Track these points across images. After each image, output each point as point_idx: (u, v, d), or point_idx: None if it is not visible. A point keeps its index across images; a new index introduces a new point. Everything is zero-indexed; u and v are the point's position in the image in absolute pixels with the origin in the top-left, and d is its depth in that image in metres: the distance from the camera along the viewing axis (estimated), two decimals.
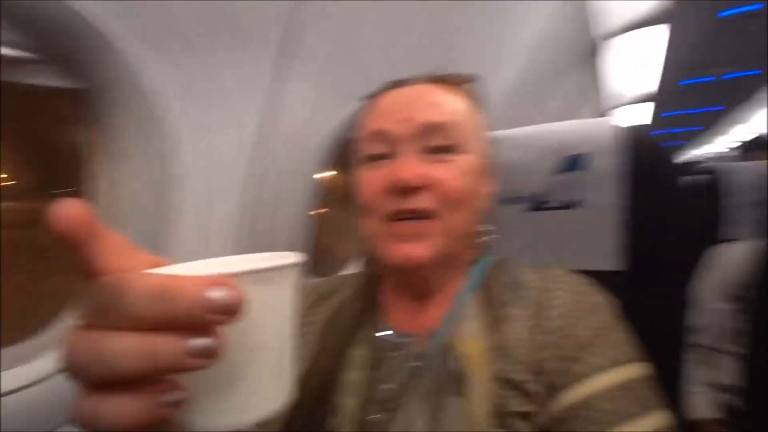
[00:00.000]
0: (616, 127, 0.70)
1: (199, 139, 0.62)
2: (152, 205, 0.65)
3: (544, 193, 0.74)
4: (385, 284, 0.56)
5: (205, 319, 0.20)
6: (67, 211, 0.20)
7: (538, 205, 0.74)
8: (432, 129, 0.48)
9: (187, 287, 0.20)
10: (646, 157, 0.69)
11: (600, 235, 0.71)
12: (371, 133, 0.50)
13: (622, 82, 3.24)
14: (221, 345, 0.21)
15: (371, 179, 0.49)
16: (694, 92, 3.36)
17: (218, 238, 0.64)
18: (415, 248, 0.46)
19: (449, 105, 0.50)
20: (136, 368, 0.20)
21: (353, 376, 0.49)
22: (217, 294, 0.20)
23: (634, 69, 2.95)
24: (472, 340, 0.46)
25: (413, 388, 0.46)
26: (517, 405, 0.43)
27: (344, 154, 1.38)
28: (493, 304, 0.49)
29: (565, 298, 0.48)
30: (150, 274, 0.22)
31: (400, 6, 0.84)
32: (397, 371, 0.48)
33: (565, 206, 0.73)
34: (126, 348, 0.20)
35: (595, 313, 0.47)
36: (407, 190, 0.45)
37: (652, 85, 3.27)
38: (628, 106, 4.12)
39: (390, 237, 0.47)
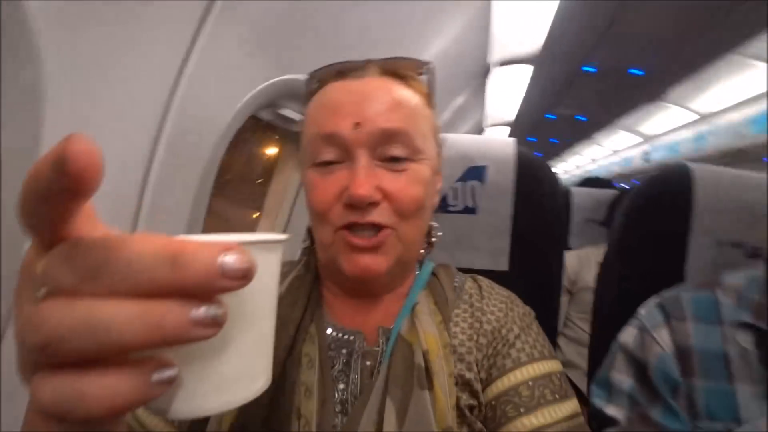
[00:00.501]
0: (515, 147, 0.82)
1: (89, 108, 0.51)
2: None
3: (451, 197, 0.82)
4: (325, 281, 0.55)
5: (216, 285, 0.19)
6: (86, 151, 0.17)
7: (446, 207, 0.82)
8: (389, 136, 0.45)
9: (201, 251, 0.19)
10: (535, 174, 0.82)
11: (491, 239, 0.82)
12: (323, 136, 0.46)
13: (497, 106, 3.72)
14: (226, 314, 0.20)
15: (324, 187, 0.46)
16: (552, 124, 4.00)
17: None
18: (372, 260, 0.45)
19: (406, 106, 0.48)
20: (139, 339, 0.18)
21: (307, 377, 0.46)
22: (230, 259, 0.19)
23: (508, 97, 3.42)
24: (430, 335, 0.48)
25: (372, 386, 0.45)
26: (466, 399, 0.47)
27: (249, 130, 1.30)
28: (441, 304, 0.52)
29: (497, 306, 0.54)
30: (155, 235, 0.19)
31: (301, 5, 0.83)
32: (353, 369, 0.48)
33: (465, 211, 0.82)
34: (128, 316, 0.18)
35: (519, 319, 0.53)
36: (364, 205, 0.44)
37: (520, 112, 3.81)
38: (499, 127, 4.73)
39: (346, 248, 0.46)
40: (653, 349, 0.62)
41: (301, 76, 0.91)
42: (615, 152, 5.77)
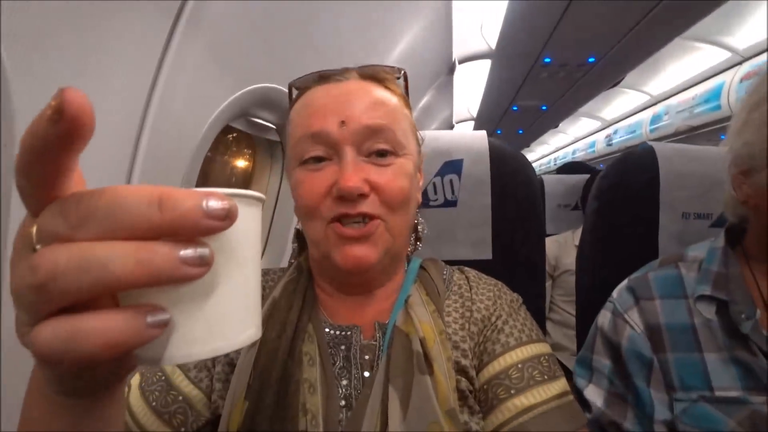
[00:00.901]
0: (487, 140, 0.84)
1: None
2: None
3: (431, 192, 0.83)
4: (319, 282, 0.56)
5: (202, 225, 0.20)
6: (80, 98, 0.18)
7: (426, 202, 0.83)
8: (373, 132, 0.48)
9: (186, 194, 0.20)
10: (509, 164, 0.85)
11: (473, 230, 0.84)
12: (311, 135, 0.48)
13: (462, 102, 3.79)
14: (212, 255, 0.21)
15: (312, 183, 0.48)
16: (517, 116, 4.10)
17: None
18: (362, 250, 0.47)
19: (387, 105, 0.50)
20: (132, 275, 0.19)
21: (310, 374, 0.47)
22: (213, 201, 0.20)
23: (472, 93, 3.49)
24: (426, 324, 0.49)
25: (373, 377, 0.47)
26: (464, 385, 0.48)
27: (222, 141, 1.28)
28: (433, 295, 0.53)
29: (486, 295, 0.56)
30: (144, 185, 0.20)
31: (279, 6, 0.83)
32: (353, 365, 0.49)
33: (446, 204, 0.84)
34: (121, 254, 0.19)
35: (507, 305, 0.55)
36: (353, 196, 0.46)
37: (484, 107, 3.90)
38: (467, 123, 4.81)
39: (338, 240, 0.47)
40: (625, 332, 0.64)
41: (273, 85, 0.91)
42: (579, 139, 5.97)
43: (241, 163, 1.38)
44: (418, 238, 0.59)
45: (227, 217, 0.20)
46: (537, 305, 0.88)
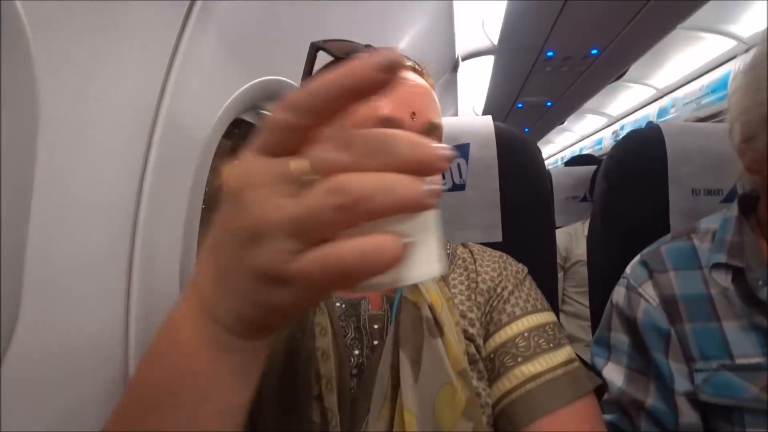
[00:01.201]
0: (493, 124, 0.85)
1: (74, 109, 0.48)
2: None
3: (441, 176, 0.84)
4: None
5: (440, 166, 0.22)
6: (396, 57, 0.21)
7: None
8: (432, 130, 0.48)
9: (429, 145, 0.23)
10: (517, 148, 0.85)
11: (482, 213, 0.85)
12: (380, 119, 0.46)
13: (467, 100, 3.79)
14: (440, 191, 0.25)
15: None
16: (522, 113, 4.10)
17: (82, 226, 0.49)
18: None
19: (435, 100, 0.51)
20: (408, 200, 0.21)
21: (322, 342, 0.47)
22: (443, 151, 0.23)
23: (476, 91, 3.50)
24: (433, 291, 0.50)
25: (383, 345, 0.47)
26: (473, 350, 0.49)
27: (232, 135, 1.30)
28: None
29: (491, 267, 0.56)
30: (402, 132, 0.23)
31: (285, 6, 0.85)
32: (364, 335, 0.49)
33: (454, 188, 0.85)
34: (405, 182, 0.21)
35: (512, 276, 0.56)
36: None
37: (488, 103, 3.90)
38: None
39: None
40: (640, 305, 0.64)
41: (278, 78, 0.93)
42: (585, 137, 5.94)
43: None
44: None
45: (449, 161, 0.23)
46: (550, 291, 0.88)
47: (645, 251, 0.70)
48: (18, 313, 0.38)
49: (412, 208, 0.21)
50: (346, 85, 0.21)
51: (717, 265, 0.62)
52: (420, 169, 0.22)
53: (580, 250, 1.76)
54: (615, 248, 0.92)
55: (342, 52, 0.51)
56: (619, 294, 0.68)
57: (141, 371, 0.28)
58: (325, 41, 0.52)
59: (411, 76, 0.51)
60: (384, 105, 0.47)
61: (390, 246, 0.21)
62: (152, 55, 0.57)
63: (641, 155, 0.91)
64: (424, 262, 0.25)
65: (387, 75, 0.20)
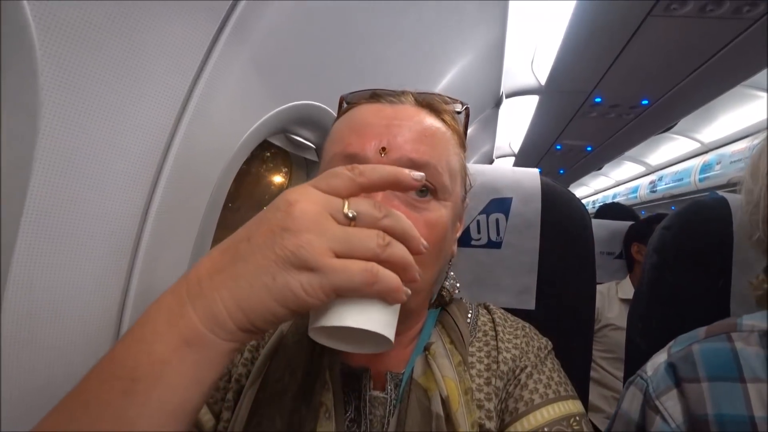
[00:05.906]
0: (540, 178, 0.77)
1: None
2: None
3: (474, 230, 0.76)
4: None
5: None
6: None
7: (468, 241, 0.76)
8: (415, 167, 0.41)
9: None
10: (562, 206, 0.77)
11: (516, 276, 0.76)
12: (346, 155, 0.42)
13: (505, 136, 3.72)
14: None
15: None
16: (559, 155, 3.99)
17: (92, 242, 0.49)
18: None
19: (437, 139, 0.44)
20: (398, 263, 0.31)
21: (325, 427, 0.42)
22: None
23: (515, 128, 3.43)
24: (450, 380, 0.43)
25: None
26: None
27: (258, 157, 1.26)
28: (458, 343, 0.47)
29: (512, 343, 0.49)
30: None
31: (330, 45, 0.82)
32: (363, 417, 0.44)
33: (489, 245, 0.77)
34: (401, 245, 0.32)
35: (533, 354, 0.49)
36: None
37: (526, 143, 3.82)
38: (509, 158, 4.72)
39: None
40: (655, 423, 0.50)
41: (315, 103, 0.88)
42: (620, 183, 5.75)
43: (277, 179, 1.36)
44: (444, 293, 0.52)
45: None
46: (584, 358, 0.78)
47: (674, 349, 0.56)
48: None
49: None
50: (392, 181, 0.32)
51: None
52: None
53: (612, 314, 1.63)
54: (661, 331, 0.82)
55: (354, 99, 0.51)
56: (632, 401, 0.55)
57: (114, 350, 0.29)
58: (350, 93, 0.52)
59: (409, 111, 0.45)
60: (353, 139, 0.44)
61: (398, 282, 0.30)
62: (174, 78, 0.53)
63: (703, 230, 0.81)
64: (383, 324, 0.31)
65: (416, 183, 0.33)
